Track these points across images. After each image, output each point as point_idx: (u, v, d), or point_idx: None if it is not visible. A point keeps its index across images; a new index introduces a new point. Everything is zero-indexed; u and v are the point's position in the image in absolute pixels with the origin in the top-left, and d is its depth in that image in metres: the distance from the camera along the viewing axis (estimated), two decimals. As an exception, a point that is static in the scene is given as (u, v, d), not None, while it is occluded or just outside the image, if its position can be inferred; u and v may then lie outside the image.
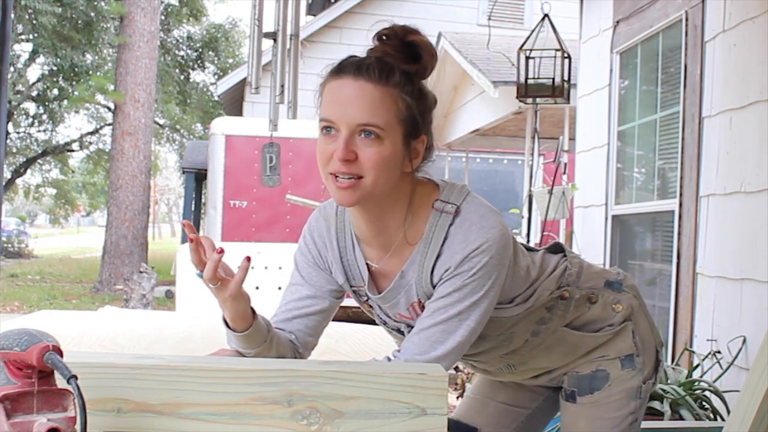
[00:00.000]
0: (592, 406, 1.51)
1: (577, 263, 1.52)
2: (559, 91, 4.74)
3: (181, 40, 20.44)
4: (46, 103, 18.23)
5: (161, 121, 20.80)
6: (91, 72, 15.31)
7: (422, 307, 1.36)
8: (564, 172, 5.19)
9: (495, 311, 1.37)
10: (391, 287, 1.40)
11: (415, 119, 1.31)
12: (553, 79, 4.72)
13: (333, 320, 1.54)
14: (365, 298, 1.47)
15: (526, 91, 4.80)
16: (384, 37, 1.31)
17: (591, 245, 4.66)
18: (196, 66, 20.61)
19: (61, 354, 0.92)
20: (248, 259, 1.26)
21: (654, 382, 1.56)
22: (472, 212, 1.33)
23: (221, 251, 1.24)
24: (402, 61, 1.29)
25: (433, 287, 1.34)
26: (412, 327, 1.36)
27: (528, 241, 5.47)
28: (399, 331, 1.47)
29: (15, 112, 17.56)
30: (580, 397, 1.52)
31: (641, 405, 1.52)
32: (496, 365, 1.57)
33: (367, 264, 1.42)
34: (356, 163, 1.26)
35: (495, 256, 1.29)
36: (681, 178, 3.70)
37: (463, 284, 1.29)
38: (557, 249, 1.55)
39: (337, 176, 1.27)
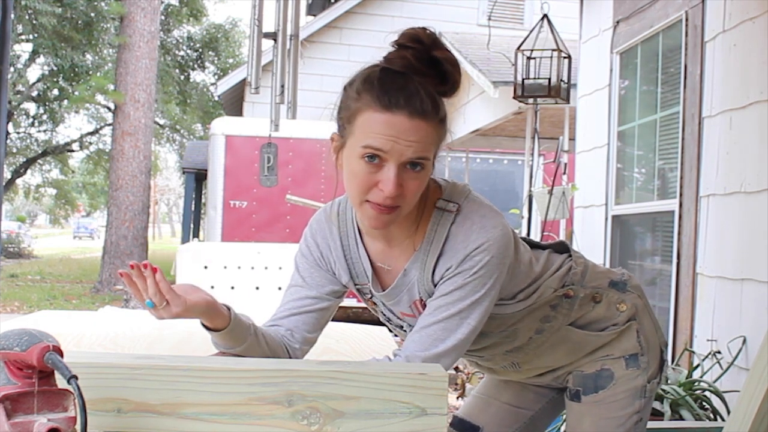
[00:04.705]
0: (597, 405, 1.52)
1: (582, 263, 1.53)
2: (556, 90, 4.74)
3: (181, 40, 20.45)
4: (47, 104, 18.24)
5: (161, 122, 20.81)
6: (91, 72, 15.32)
7: (424, 305, 1.36)
8: (564, 172, 5.19)
9: (496, 308, 1.38)
10: (394, 285, 1.40)
11: (442, 142, 1.32)
12: (549, 78, 4.72)
13: (333, 320, 1.54)
14: (369, 296, 1.48)
15: (522, 91, 4.81)
16: (407, 46, 1.27)
17: (591, 245, 4.66)
18: (196, 66, 20.62)
19: (61, 354, 0.92)
20: (148, 266, 1.22)
21: (659, 382, 1.56)
22: (474, 211, 1.33)
23: (156, 269, 1.22)
24: (433, 81, 1.27)
25: (435, 286, 1.34)
26: (414, 325, 1.36)
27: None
28: (402, 328, 1.48)
29: (15, 112, 17.57)
30: (585, 396, 1.53)
31: (646, 404, 1.53)
32: (501, 363, 1.58)
33: (370, 261, 1.42)
34: (400, 194, 1.26)
35: (496, 256, 1.30)
36: (681, 178, 3.70)
37: (464, 283, 1.30)
38: (562, 248, 1.56)
39: (377, 204, 1.26)
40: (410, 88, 1.24)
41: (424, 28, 1.29)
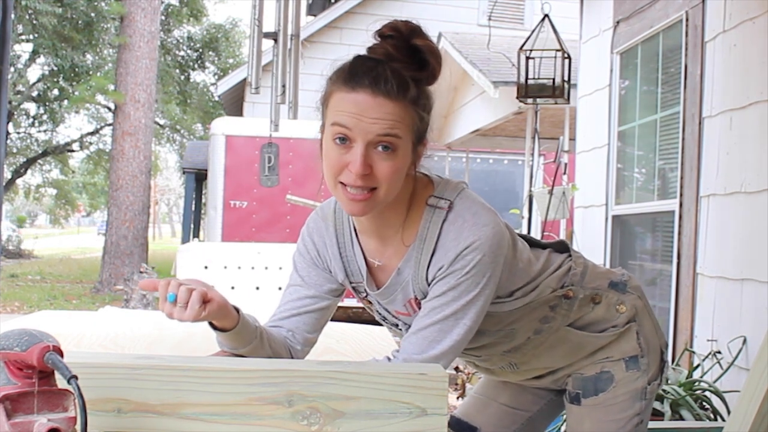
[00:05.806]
0: (597, 407, 1.51)
1: (582, 263, 1.52)
2: (560, 91, 4.75)
3: (181, 41, 20.45)
4: (47, 104, 18.23)
5: (161, 122, 20.81)
6: (91, 72, 15.32)
7: (418, 304, 1.36)
8: (564, 173, 5.19)
9: (493, 305, 1.37)
10: (389, 284, 1.40)
11: (424, 129, 1.32)
12: (553, 79, 4.73)
13: (333, 320, 1.54)
14: (364, 294, 1.47)
15: (526, 91, 4.81)
16: (387, 35, 1.29)
17: (591, 245, 4.66)
18: (196, 66, 20.62)
19: (61, 354, 0.92)
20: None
21: (659, 383, 1.55)
22: (465, 209, 1.32)
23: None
24: (409, 67, 1.27)
25: (429, 285, 1.34)
26: (409, 324, 1.36)
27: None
28: (397, 326, 1.48)
29: (15, 113, 17.57)
30: (585, 399, 1.52)
31: (647, 406, 1.52)
32: (498, 363, 1.57)
33: (365, 260, 1.42)
34: (371, 176, 1.25)
35: (488, 254, 1.29)
36: (681, 178, 3.70)
37: (457, 283, 1.29)
38: (562, 248, 1.55)
39: (348, 187, 1.27)
40: (378, 69, 1.26)
41: (405, 20, 1.31)
